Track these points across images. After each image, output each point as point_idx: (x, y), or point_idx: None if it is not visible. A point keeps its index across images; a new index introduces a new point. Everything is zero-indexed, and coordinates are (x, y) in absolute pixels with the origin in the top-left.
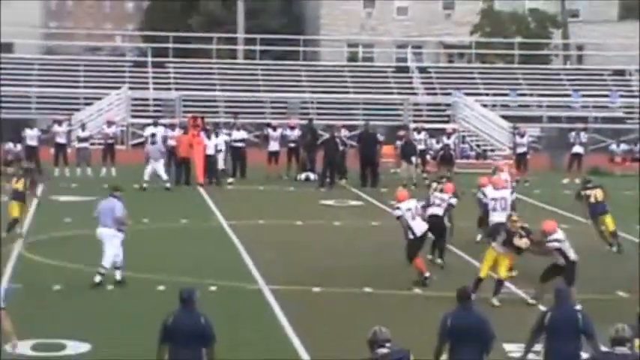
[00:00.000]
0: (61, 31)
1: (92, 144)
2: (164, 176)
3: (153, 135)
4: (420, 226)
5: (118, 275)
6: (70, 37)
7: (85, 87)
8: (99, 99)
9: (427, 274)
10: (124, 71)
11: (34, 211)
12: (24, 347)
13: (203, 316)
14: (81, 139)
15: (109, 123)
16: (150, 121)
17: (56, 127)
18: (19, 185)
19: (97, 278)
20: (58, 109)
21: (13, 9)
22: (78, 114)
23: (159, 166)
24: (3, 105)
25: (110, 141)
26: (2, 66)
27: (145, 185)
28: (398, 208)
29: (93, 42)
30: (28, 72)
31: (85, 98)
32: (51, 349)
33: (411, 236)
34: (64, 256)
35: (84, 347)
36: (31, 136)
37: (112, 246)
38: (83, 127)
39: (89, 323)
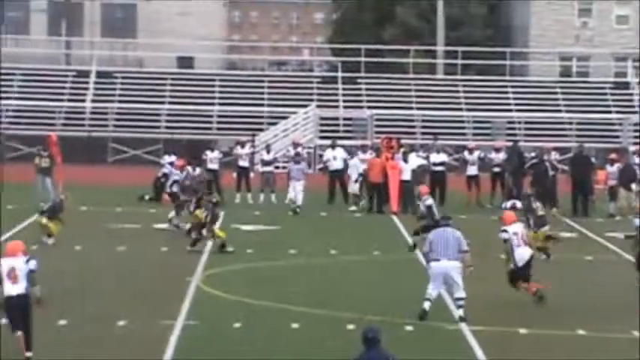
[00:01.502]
0: (245, 44)
1: (277, 167)
2: (296, 200)
3: (297, 154)
4: (522, 255)
5: (461, 312)
6: (253, 51)
7: (270, 105)
8: (284, 118)
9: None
10: (311, 88)
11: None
12: None
13: (391, 356)
14: (265, 163)
15: (295, 145)
16: (328, 142)
17: (239, 150)
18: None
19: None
20: (241, 129)
21: (193, 21)
22: (262, 134)
23: (298, 187)
24: (182, 125)
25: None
26: (182, 82)
27: (297, 209)
28: (505, 230)
29: (278, 56)
30: (209, 89)
31: (270, 117)
32: None
33: (511, 265)
34: (246, 291)
35: None
36: (212, 158)
37: (460, 278)
38: (267, 149)
39: None
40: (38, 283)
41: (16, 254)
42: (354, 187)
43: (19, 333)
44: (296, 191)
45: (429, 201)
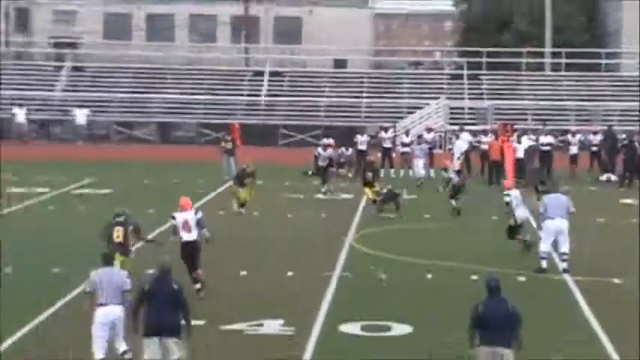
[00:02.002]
0: (388, 48)
1: (413, 148)
2: (420, 174)
3: (419, 136)
4: (520, 214)
5: (565, 265)
6: (395, 54)
7: (409, 97)
8: (420, 108)
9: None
10: (442, 83)
11: (362, 208)
12: (355, 328)
13: (510, 302)
14: (404, 144)
15: (429, 129)
16: (456, 127)
17: (383, 134)
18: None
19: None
20: (385, 118)
21: (346, 30)
22: (402, 121)
23: (420, 164)
24: (337, 114)
25: (429, 146)
26: (337, 80)
27: (420, 182)
28: (508, 195)
29: (415, 57)
30: (359, 85)
31: (408, 107)
32: (378, 330)
33: (512, 221)
34: (389, 248)
35: (407, 329)
36: (362, 141)
37: (567, 236)
38: (407, 133)
39: (411, 308)
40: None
41: (187, 209)
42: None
43: (199, 271)
44: (419, 167)
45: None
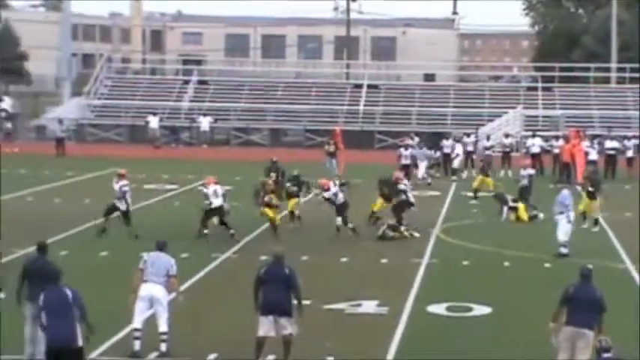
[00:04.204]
0: (472, 63)
1: (493, 152)
2: (419, 174)
3: (420, 141)
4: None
5: None
6: (478, 69)
7: (489, 107)
8: (499, 116)
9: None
10: (519, 94)
11: (448, 203)
12: (440, 308)
13: (598, 290)
14: (485, 148)
15: (507, 135)
16: (530, 133)
17: (465, 138)
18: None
19: None
20: (468, 124)
21: (434, 48)
22: (483, 128)
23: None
24: (426, 121)
25: (507, 149)
26: (427, 91)
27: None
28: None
29: (495, 72)
30: (446, 95)
31: (489, 116)
32: (461, 311)
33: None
34: (471, 239)
35: (487, 310)
36: (447, 145)
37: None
38: (488, 138)
39: (491, 292)
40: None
41: (210, 184)
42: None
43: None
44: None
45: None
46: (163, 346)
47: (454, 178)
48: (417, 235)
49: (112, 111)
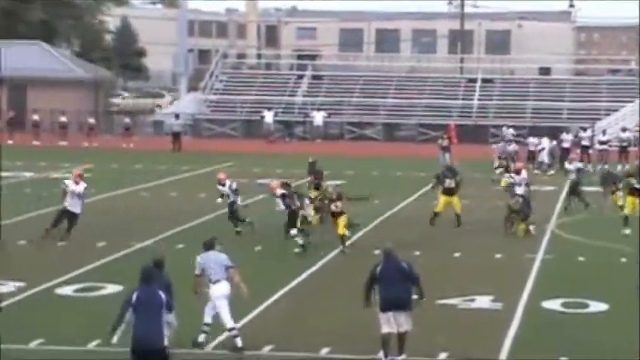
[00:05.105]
0: (588, 57)
1: (610, 146)
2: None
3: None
4: None
5: None
6: (595, 62)
7: (606, 101)
8: (616, 110)
9: None
10: (636, 88)
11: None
12: (555, 304)
13: None
14: (601, 142)
15: (624, 129)
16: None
17: (582, 133)
18: None
19: None
20: (584, 119)
21: (550, 41)
22: (599, 122)
23: None
24: (543, 115)
25: (624, 144)
26: (542, 85)
27: None
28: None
29: (613, 65)
30: (562, 89)
31: (606, 110)
32: (577, 307)
33: None
34: (587, 234)
35: (603, 307)
36: (566, 139)
37: None
38: (604, 132)
39: (607, 288)
40: None
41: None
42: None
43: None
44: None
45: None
46: (239, 342)
47: (537, 172)
48: (532, 230)
49: (228, 106)
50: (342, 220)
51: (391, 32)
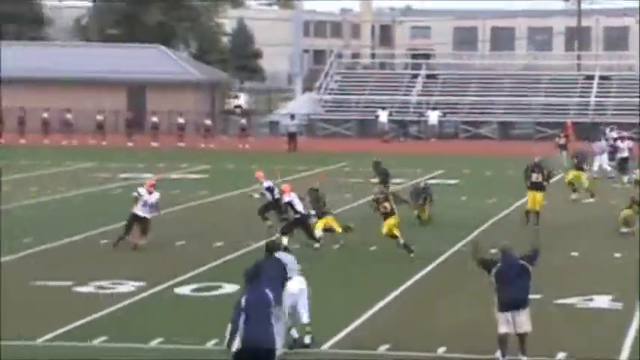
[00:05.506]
0: None
1: None
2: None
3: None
4: None
5: None
6: None
7: None
8: None
9: None
10: None
11: None
12: None
13: None
14: None
15: None
16: None
17: None
18: None
19: None
20: None
21: None
22: None
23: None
24: None
25: None
26: None
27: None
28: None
29: None
30: None
31: None
32: None
33: None
34: None
35: None
36: None
37: None
38: None
39: None
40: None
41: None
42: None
43: None
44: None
45: None
46: (307, 339)
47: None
48: None
49: (342, 106)
50: (389, 222)
51: (506, 30)
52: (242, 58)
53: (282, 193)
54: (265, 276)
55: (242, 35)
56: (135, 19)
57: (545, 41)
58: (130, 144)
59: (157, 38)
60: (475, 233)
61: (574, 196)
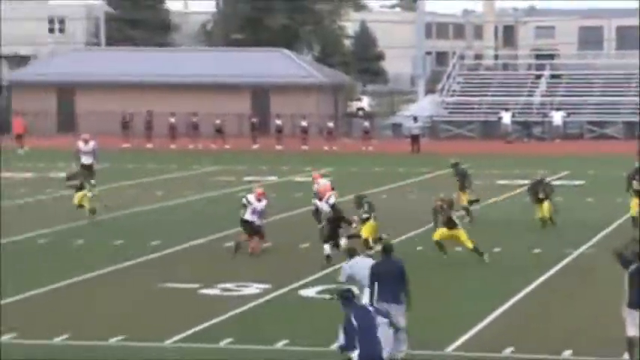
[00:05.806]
0: None
1: None
2: None
3: None
4: None
5: None
6: None
7: None
8: None
9: None
10: None
11: None
12: None
13: None
14: None
15: None
16: None
17: None
18: None
19: None
20: None
21: None
22: None
23: None
24: None
25: None
26: None
27: None
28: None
29: None
30: None
31: None
32: None
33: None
34: None
35: None
36: None
37: None
38: None
39: None
40: None
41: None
42: None
43: None
44: None
45: None
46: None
47: None
48: None
49: (465, 107)
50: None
51: (633, 29)
52: (365, 60)
53: (319, 197)
54: (389, 275)
55: (364, 38)
56: (259, 24)
57: None
58: (254, 147)
59: (281, 42)
60: (601, 234)
61: None
